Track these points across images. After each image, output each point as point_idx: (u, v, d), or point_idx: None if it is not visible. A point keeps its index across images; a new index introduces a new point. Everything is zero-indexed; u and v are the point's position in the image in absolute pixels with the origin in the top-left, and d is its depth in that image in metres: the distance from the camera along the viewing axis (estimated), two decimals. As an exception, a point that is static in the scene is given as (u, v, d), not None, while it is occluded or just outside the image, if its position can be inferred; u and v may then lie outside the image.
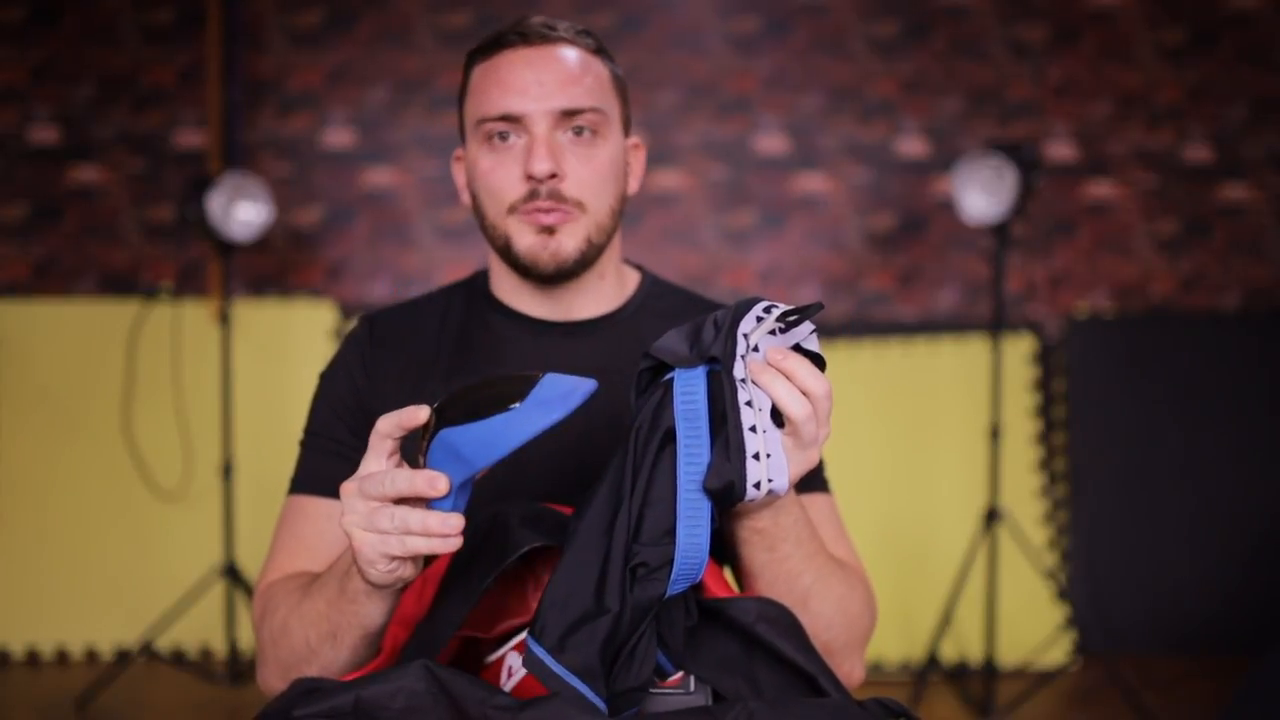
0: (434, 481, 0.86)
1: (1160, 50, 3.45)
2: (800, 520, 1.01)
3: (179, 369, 3.18)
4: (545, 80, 1.12)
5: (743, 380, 0.88)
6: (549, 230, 1.14)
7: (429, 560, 1.00)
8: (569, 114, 1.13)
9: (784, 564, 1.02)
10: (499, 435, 0.85)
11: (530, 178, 1.13)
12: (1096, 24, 3.45)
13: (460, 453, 0.86)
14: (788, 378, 0.89)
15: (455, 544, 0.87)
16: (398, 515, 0.87)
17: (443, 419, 0.88)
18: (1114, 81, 3.45)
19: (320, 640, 1.01)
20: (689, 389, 0.89)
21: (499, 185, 1.15)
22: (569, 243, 1.15)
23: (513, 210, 1.15)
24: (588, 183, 1.14)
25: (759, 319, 0.89)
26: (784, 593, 1.03)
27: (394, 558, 0.89)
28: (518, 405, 0.85)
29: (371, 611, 0.97)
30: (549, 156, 1.12)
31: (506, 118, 1.13)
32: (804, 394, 0.89)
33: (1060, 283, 3.44)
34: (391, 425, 0.89)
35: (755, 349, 0.89)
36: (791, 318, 0.89)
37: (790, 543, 1.01)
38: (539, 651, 0.86)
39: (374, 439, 0.91)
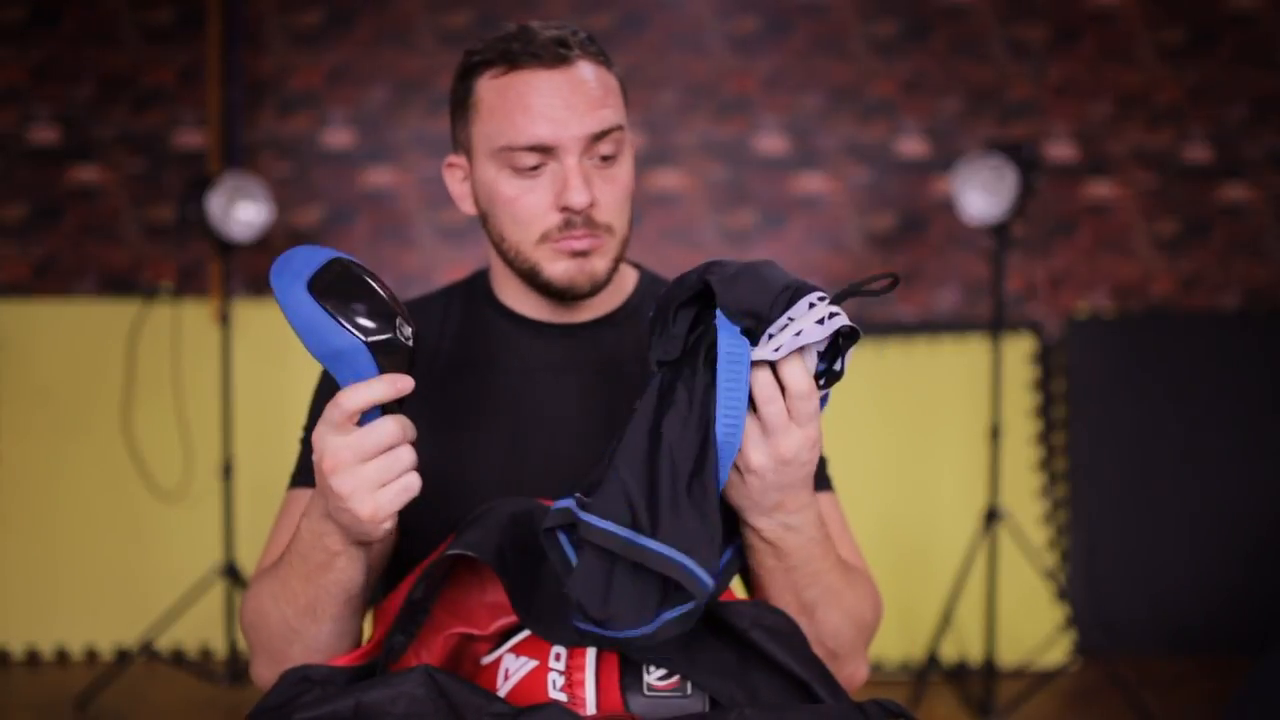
0: (397, 381, 0.89)
1: (1160, 50, 3.45)
2: (812, 538, 1.02)
3: (179, 369, 3.18)
4: (576, 104, 1.10)
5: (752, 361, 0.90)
6: (583, 254, 1.14)
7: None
8: (597, 138, 1.11)
9: (790, 574, 1.02)
10: None
11: (567, 209, 1.11)
12: (1096, 24, 3.45)
13: None
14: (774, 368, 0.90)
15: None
16: (384, 463, 0.89)
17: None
18: (1114, 81, 3.45)
19: (299, 616, 1.02)
20: (734, 347, 0.89)
21: (528, 215, 1.13)
22: (601, 264, 1.15)
23: (544, 239, 1.13)
24: (615, 206, 1.14)
25: (811, 305, 0.89)
26: (789, 601, 1.03)
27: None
28: None
29: (353, 572, 0.98)
30: (585, 187, 1.10)
31: (537, 147, 1.10)
32: (782, 387, 0.90)
33: (1060, 283, 3.44)
34: (362, 399, 0.89)
35: (771, 336, 0.89)
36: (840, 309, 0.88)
37: (798, 556, 1.01)
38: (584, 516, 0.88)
39: (339, 415, 0.89)
